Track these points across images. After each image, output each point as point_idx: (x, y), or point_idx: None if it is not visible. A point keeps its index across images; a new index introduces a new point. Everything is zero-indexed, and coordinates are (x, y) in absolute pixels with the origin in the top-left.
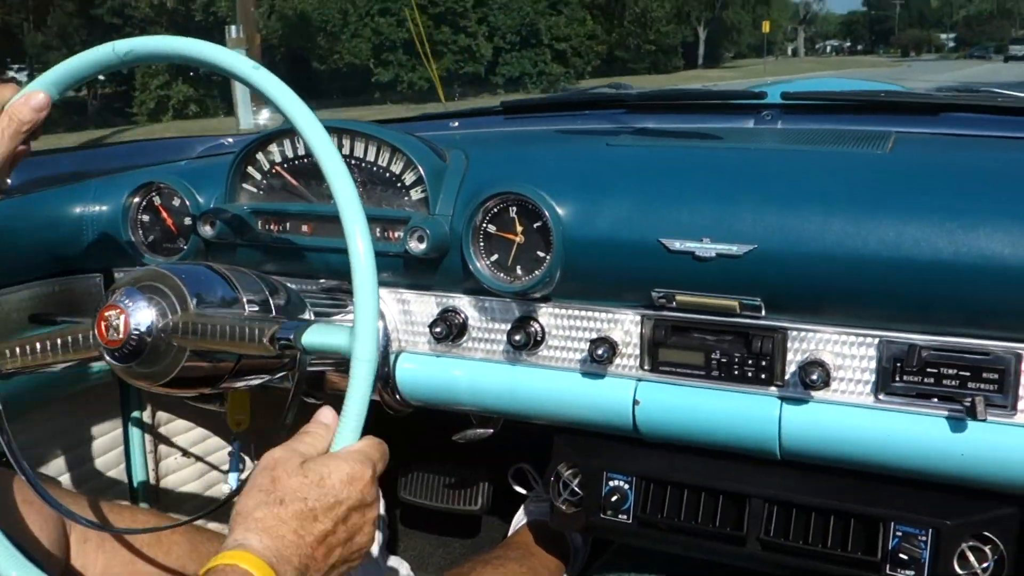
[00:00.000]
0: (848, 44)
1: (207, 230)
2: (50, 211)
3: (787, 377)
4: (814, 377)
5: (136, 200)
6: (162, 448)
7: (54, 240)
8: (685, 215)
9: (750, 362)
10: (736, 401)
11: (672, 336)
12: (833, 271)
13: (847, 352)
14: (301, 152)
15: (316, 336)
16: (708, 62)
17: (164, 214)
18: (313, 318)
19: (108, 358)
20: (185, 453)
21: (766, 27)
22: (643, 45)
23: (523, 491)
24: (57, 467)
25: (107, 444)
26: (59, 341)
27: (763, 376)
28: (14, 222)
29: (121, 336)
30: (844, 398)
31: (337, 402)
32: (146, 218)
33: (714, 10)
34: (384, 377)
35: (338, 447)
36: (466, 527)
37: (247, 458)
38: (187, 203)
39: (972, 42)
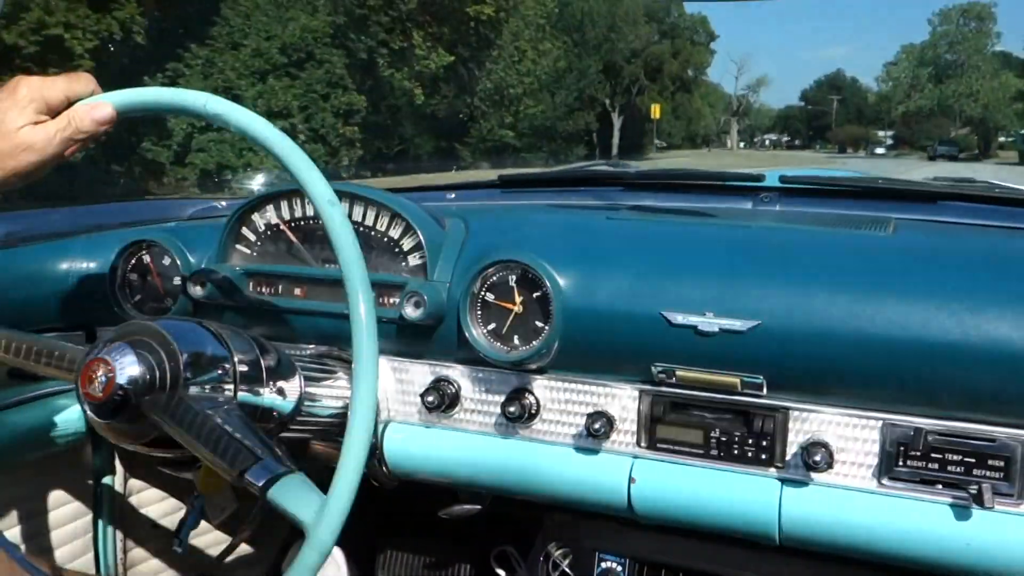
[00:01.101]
0: (786, 138)
1: (197, 290)
2: (35, 265)
3: (788, 458)
4: (817, 458)
5: (125, 258)
6: (131, 518)
7: (37, 295)
8: (688, 288)
9: (750, 441)
10: (735, 482)
11: (671, 413)
12: (838, 350)
13: (850, 434)
14: (298, 214)
15: (285, 496)
16: (628, 152)
17: (152, 273)
18: (303, 393)
19: (89, 412)
20: (154, 526)
21: (655, 112)
22: (496, 131)
23: (504, 575)
24: (19, 533)
25: (74, 512)
26: (44, 355)
27: (763, 456)
28: None
29: (104, 394)
30: (846, 481)
31: (315, 469)
32: (134, 277)
33: (629, 95)
34: (371, 448)
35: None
36: None
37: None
38: (178, 262)
39: (910, 140)
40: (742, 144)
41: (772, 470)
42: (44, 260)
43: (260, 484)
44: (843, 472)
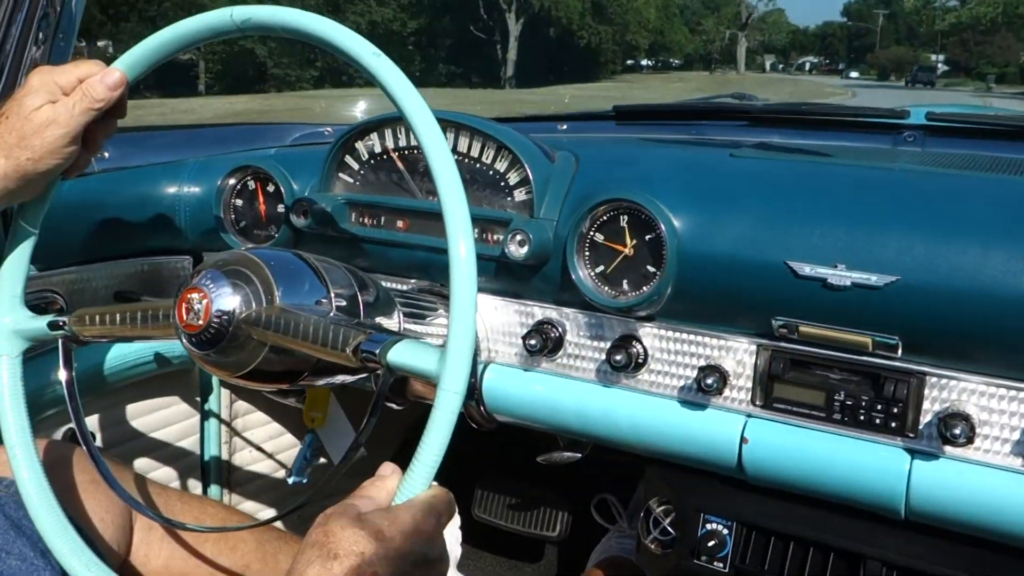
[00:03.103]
0: (827, 61)
1: (299, 219)
2: (143, 189)
3: (921, 428)
4: (956, 431)
5: (231, 183)
6: (236, 440)
7: (145, 218)
8: (818, 237)
9: (879, 407)
10: (859, 450)
11: (791, 370)
12: (988, 312)
13: (994, 406)
14: (402, 143)
15: (404, 355)
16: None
17: (258, 199)
18: (403, 330)
19: (185, 342)
20: (259, 448)
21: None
22: None
23: (605, 523)
24: (132, 448)
25: (184, 431)
26: (139, 315)
27: (893, 424)
28: (106, 197)
29: (202, 321)
30: (987, 458)
31: (416, 409)
32: (239, 202)
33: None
34: (470, 388)
35: (404, 496)
36: (538, 553)
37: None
38: (282, 190)
39: (965, 65)
40: (779, 67)
41: (901, 440)
42: (153, 183)
43: (377, 352)
44: (984, 447)
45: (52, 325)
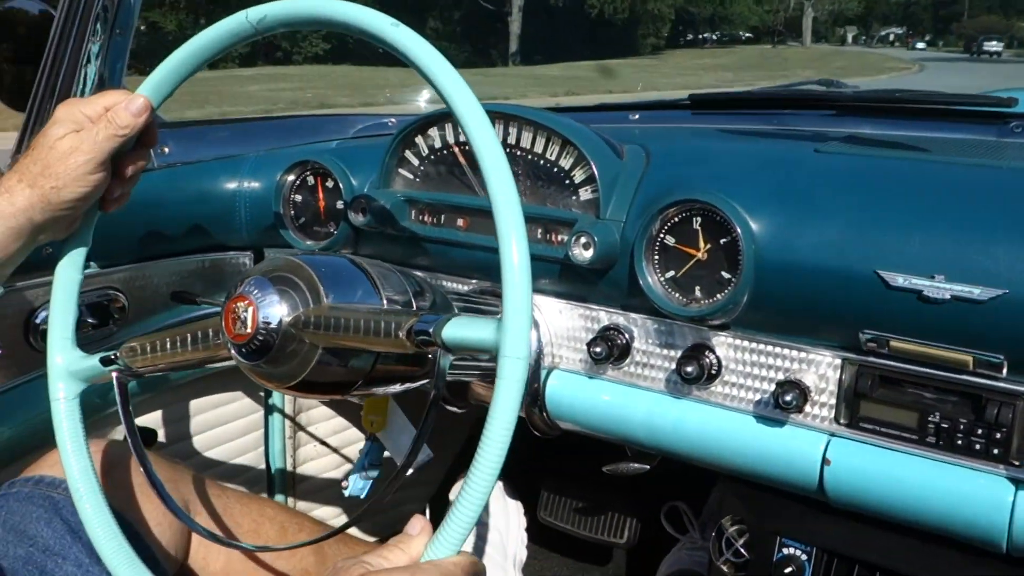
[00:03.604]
0: (910, 32)
1: (357, 217)
2: (203, 184)
3: None
4: None
5: (290, 179)
6: (300, 435)
7: (205, 214)
8: (914, 244)
9: (979, 431)
10: (956, 477)
11: (880, 388)
12: None
13: None
14: (464, 137)
15: (459, 329)
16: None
17: (318, 196)
18: (457, 312)
19: (234, 354)
20: (324, 443)
21: None
22: None
23: (675, 534)
24: (195, 445)
25: (247, 426)
26: (188, 336)
27: (995, 451)
28: (165, 193)
29: (249, 330)
30: None
31: (479, 413)
32: (299, 198)
33: None
34: (533, 393)
35: (429, 556)
36: (605, 557)
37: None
38: (340, 186)
39: None
40: (862, 39)
41: (1004, 468)
42: (212, 179)
43: (431, 331)
44: None
45: (105, 361)
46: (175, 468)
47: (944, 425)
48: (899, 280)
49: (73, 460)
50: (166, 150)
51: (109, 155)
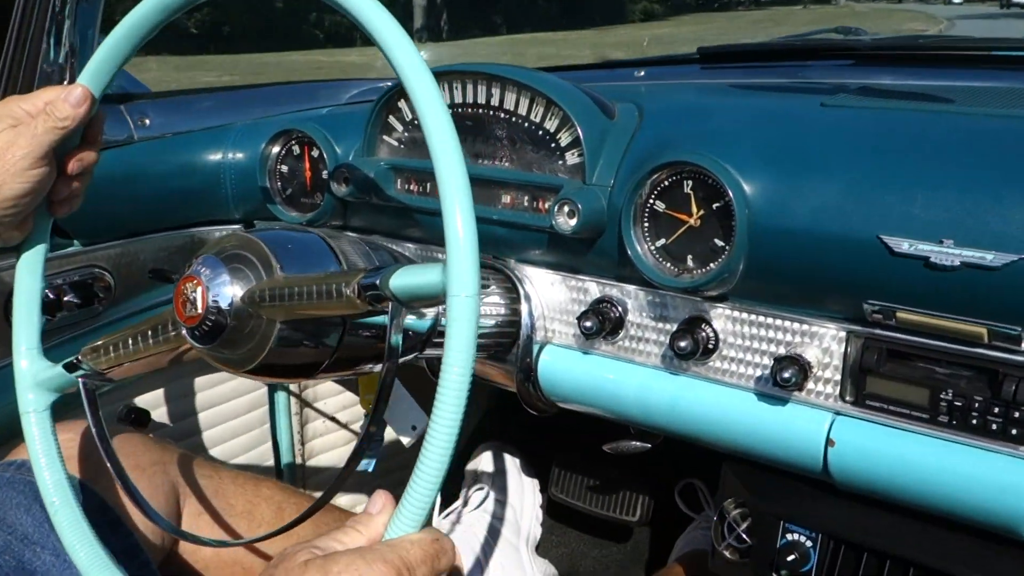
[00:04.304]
0: None
1: (340, 187)
2: (186, 157)
3: None
4: None
5: (275, 149)
6: (307, 411)
7: (190, 188)
8: (920, 206)
9: (996, 410)
10: (971, 458)
11: (887, 362)
12: None
13: None
14: (458, 99)
15: (407, 278)
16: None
17: (304, 165)
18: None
19: (189, 339)
20: (332, 418)
21: None
22: None
23: (690, 513)
24: (202, 421)
25: (253, 401)
26: (148, 331)
27: (1014, 431)
28: (147, 167)
29: (199, 311)
30: None
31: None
32: (285, 169)
33: None
34: (525, 369)
35: (391, 535)
36: (622, 535)
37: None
38: (324, 155)
39: None
40: None
41: (1022, 449)
42: (197, 151)
43: (378, 282)
44: None
45: (69, 367)
46: (164, 449)
47: (957, 403)
48: (904, 246)
49: (47, 474)
50: (147, 122)
51: (50, 149)
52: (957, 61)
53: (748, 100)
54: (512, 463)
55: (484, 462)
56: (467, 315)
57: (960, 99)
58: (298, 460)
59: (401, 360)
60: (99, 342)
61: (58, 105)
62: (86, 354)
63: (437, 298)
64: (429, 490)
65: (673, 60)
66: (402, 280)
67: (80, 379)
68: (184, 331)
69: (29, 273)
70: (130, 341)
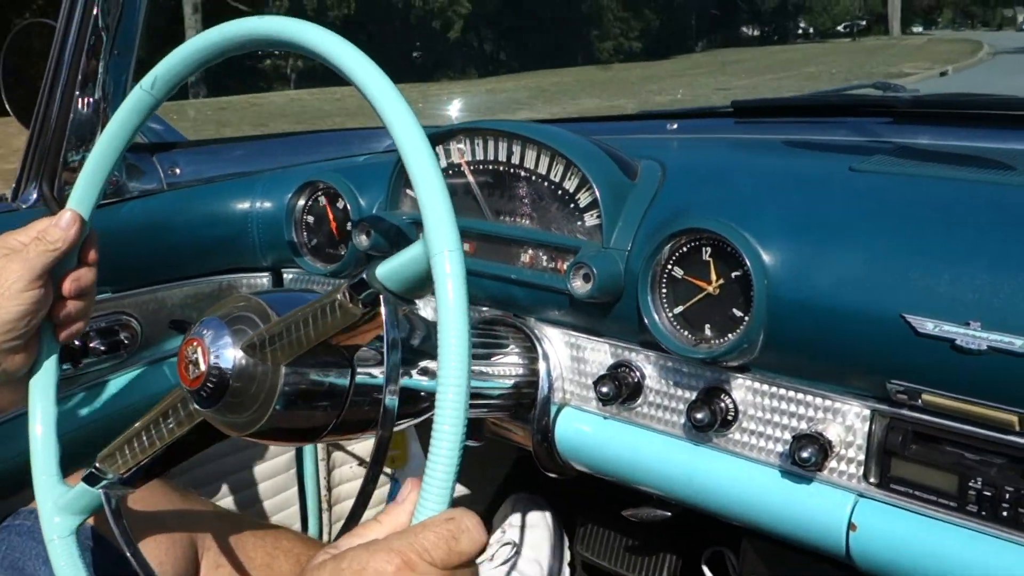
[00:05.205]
0: None
1: (362, 240)
2: (214, 206)
3: None
4: None
5: (301, 201)
6: (335, 456)
7: (218, 236)
8: (946, 284)
9: None
10: (1000, 552)
11: (913, 445)
12: None
13: None
14: (479, 155)
15: (391, 265)
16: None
17: (329, 216)
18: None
19: (193, 404)
20: (361, 461)
21: None
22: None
23: None
24: (228, 464)
25: (279, 448)
26: (159, 419)
27: None
28: (175, 216)
29: (202, 371)
30: None
31: (498, 448)
32: (311, 219)
33: None
34: (543, 430)
35: (421, 516)
36: None
37: None
38: (349, 207)
39: None
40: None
41: None
42: (224, 200)
43: (365, 275)
44: None
45: (89, 479)
46: (186, 499)
47: (987, 492)
48: (928, 326)
49: None
50: (177, 171)
51: (43, 271)
52: (1001, 121)
53: (776, 160)
54: (541, 518)
55: (513, 516)
56: (454, 269)
57: (998, 165)
58: (324, 505)
59: (401, 426)
60: (111, 447)
61: (49, 231)
62: (103, 460)
63: (426, 275)
64: (448, 464)
65: (707, 113)
66: (388, 267)
67: (103, 492)
68: (190, 398)
69: (44, 398)
70: (144, 437)
